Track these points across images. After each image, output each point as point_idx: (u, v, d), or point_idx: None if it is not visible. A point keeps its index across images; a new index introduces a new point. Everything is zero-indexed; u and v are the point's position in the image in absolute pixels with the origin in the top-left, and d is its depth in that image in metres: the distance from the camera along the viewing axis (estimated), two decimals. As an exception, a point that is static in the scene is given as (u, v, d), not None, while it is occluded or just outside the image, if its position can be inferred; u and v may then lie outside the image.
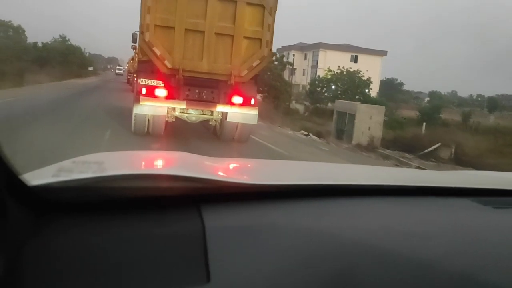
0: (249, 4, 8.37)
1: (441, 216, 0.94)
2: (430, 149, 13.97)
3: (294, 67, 34.34)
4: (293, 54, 44.68)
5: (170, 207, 0.79)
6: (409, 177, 1.54)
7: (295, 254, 0.71)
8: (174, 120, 9.42)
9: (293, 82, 33.46)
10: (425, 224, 0.87)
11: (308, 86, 39.32)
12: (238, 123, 9.24)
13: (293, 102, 31.40)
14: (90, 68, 56.35)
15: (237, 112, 8.95)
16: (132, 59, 25.89)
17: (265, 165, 1.61)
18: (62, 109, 13.30)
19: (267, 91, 25.91)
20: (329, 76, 36.17)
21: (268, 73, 25.93)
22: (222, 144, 9.34)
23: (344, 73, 35.26)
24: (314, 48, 52.10)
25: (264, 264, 0.68)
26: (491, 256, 0.76)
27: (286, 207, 0.87)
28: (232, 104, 8.88)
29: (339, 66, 35.83)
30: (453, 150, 13.92)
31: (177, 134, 9.90)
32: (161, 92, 8.52)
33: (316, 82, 37.31)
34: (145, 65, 9.03)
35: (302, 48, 54.62)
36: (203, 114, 9.41)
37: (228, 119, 9.11)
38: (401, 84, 72.81)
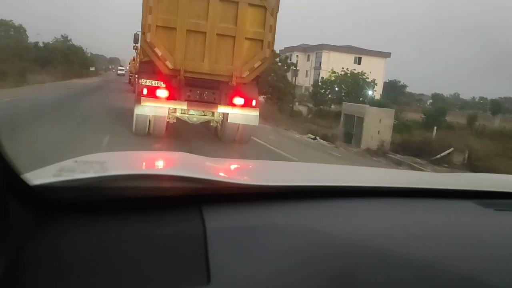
0: (250, 5, 8.36)
1: (442, 218, 0.94)
2: (442, 154, 13.54)
3: (297, 68, 34.25)
4: (297, 55, 44.67)
5: (171, 208, 0.79)
6: (410, 179, 1.54)
7: (296, 254, 0.71)
8: (175, 120, 9.41)
9: (296, 83, 33.41)
10: (426, 225, 0.87)
11: (312, 88, 39.26)
12: (239, 124, 9.22)
13: (296, 104, 31.31)
14: (92, 69, 56.15)
15: (238, 113, 8.93)
16: (134, 59, 25.89)
17: (266, 166, 1.62)
18: (61, 110, 13.20)
19: (271, 92, 25.78)
20: (333, 78, 36.09)
21: (272, 74, 25.85)
22: (224, 147, 9.28)
23: (348, 74, 35.17)
24: (317, 49, 52.02)
25: (265, 264, 0.68)
26: (492, 258, 0.76)
27: (286, 208, 0.87)
28: (233, 105, 8.87)
29: (343, 68, 35.75)
30: (466, 155, 13.52)
31: (178, 135, 9.88)
32: (162, 92, 8.52)
33: (320, 83, 37.23)
34: (146, 65, 9.04)
35: (305, 49, 54.55)
36: (204, 115, 9.40)
37: (229, 120, 9.09)
38: (404, 86, 72.65)
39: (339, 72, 35.62)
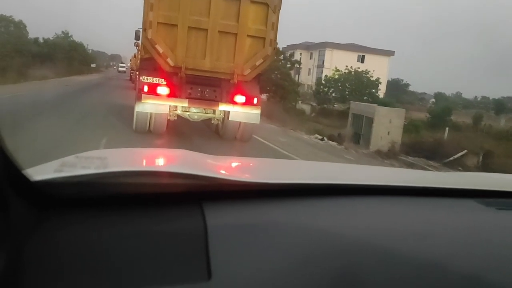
0: (253, 2, 8.30)
1: (443, 217, 0.93)
2: (456, 156, 13.23)
3: (300, 66, 34.17)
4: (300, 53, 44.49)
5: (172, 204, 0.78)
6: (412, 177, 1.54)
7: (296, 252, 0.71)
8: (176, 118, 9.35)
9: (299, 81, 33.29)
10: (426, 224, 0.87)
11: (315, 86, 39.13)
12: (240, 122, 9.17)
13: (299, 102, 31.16)
14: (93, 65, 56.13)
15: (240, 111, 8.88)
16: (135, 56, 25.77)
17: (267, 164, 1.62)
18: (60, 107, 12.99)
19: (274, 90, 25.61)
20: (337, 76, 35.95)
21: (276, 72, 25.70)
22: (235, 150, 9.13)
23: (352, 73, 35.01)
24: (320, 47, 51.88)
25: (265, 261, 0.68)
26: (493, 257, 0.76)
27: (287, 205, 0.87)
28: (235, 103, 8.81)
29: (346, 66, 35.60)
30: (481, 158, 13.17)
31: (179, 132, 9.83)
32: (163, 90, 8.47)
33: (323, 82, 37.10)
34: (147, 62, 9.01)
35: (308, 47, 54.41)
36: (205, 112, 9.34)
37: (230, 118, 9.04)
38: (407, 85, 72.55)
39: (343, 71, 35.46)
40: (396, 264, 0.71)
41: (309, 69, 51.57)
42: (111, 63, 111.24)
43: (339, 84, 35.26)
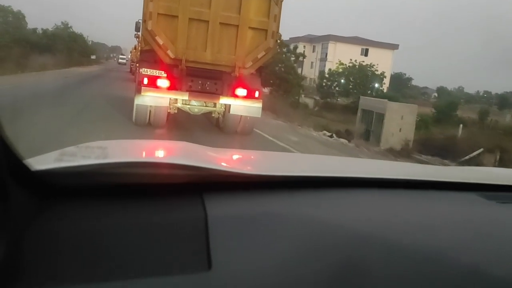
0: None
1: (444, 210, 0.94)
2: (472, 155, 12.78)
3: (303, 59, 33.92)
4: (304, 46, 44.17)
5: (173, 195, 0.79)
6: (414, 171, 1.55)
7: (297, 244, 0.71)
8: (176, 111, 9.24)
9: (302, 75, 33.04)
10: (428, 217, 0.88)
11: (318, 80, 38.87)
12: (241, 115, 9.06)
13: (302, 96, 30.93)
14: (93, 57, 55.43)
15: (241, 104, 8.76)
16: (135, 48, 25.57)
17: (268, 156, 1.63)
18: (59, 99, 12.82)
19: (278, 84, 25.31)
20: (340, 70, 35.66)
21: (280, 65, 25.42)
22: (238, 144, 8.93)
23: (356, 66, 34.68)
24: (323, 40, 51.55)
25: (265, 253, 0.68)
26: (493, 250, 0.77)
27: (288, 198, 0.87)
28: (236, 96, 8.69)
29: (351, 60, 35.30)
30: (498, 156, 12.73)
31: (179, 125, 9.73)
32: (163, 82, 8.34)
33: (327, 75, 36.82)
34: (147, 54, 8.90)
35: (311, 40, 54.07)
36: (206, 106, 9.22)
37: (231, 112, 8.91)
38: (410, 79, 72.19)
39: (347, 64, 35.15)
40: (397, 256, 0.71)
41: (312, 62, 51.23)
42: (112, 55, 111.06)
43: (343, 78, 34.97)
